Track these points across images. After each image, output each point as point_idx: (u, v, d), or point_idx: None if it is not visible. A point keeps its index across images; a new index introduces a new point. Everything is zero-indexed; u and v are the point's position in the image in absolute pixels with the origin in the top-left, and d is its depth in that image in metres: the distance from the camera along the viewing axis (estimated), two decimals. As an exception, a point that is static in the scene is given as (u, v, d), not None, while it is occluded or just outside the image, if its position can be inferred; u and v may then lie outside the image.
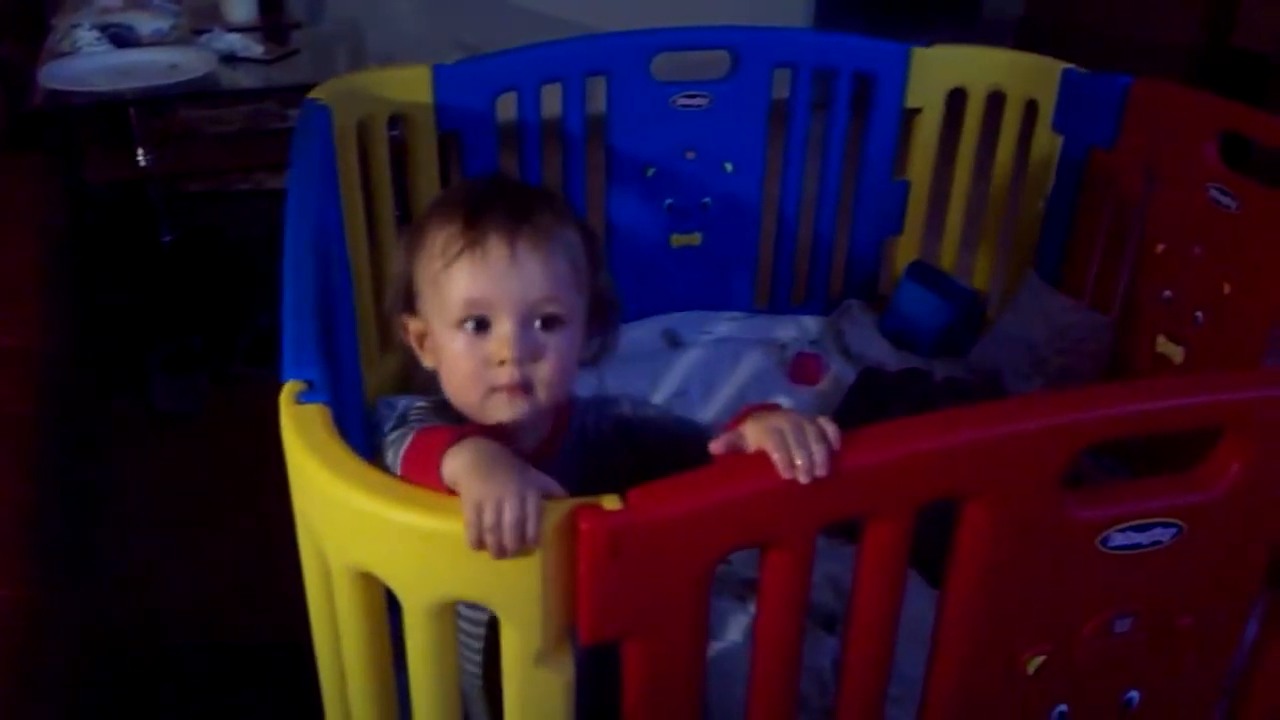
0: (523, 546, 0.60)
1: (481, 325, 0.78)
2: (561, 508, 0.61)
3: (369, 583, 0.68)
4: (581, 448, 0.85)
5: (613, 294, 0.86)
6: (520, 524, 0.60)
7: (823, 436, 0.64)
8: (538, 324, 0.78)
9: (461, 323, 0.78)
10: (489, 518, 0.60)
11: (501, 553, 0.60)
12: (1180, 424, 0.72)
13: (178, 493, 1.54)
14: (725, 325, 1.65)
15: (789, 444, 0.64)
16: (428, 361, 0.83)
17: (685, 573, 0.64)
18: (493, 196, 0.80)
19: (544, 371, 0.78)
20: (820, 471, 0.63)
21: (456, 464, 0.65)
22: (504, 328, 0.77)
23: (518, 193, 0.82)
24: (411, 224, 0.86)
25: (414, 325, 0.83)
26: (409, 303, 0.83)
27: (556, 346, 0.78)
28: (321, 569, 0.73)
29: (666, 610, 0.65)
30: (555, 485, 0.64)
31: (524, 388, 0.78)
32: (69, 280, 1.56)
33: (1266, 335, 1.21)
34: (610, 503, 0.61)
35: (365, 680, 0.73)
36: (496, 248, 0.77)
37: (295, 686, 1.16)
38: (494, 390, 0.78)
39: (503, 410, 0.79)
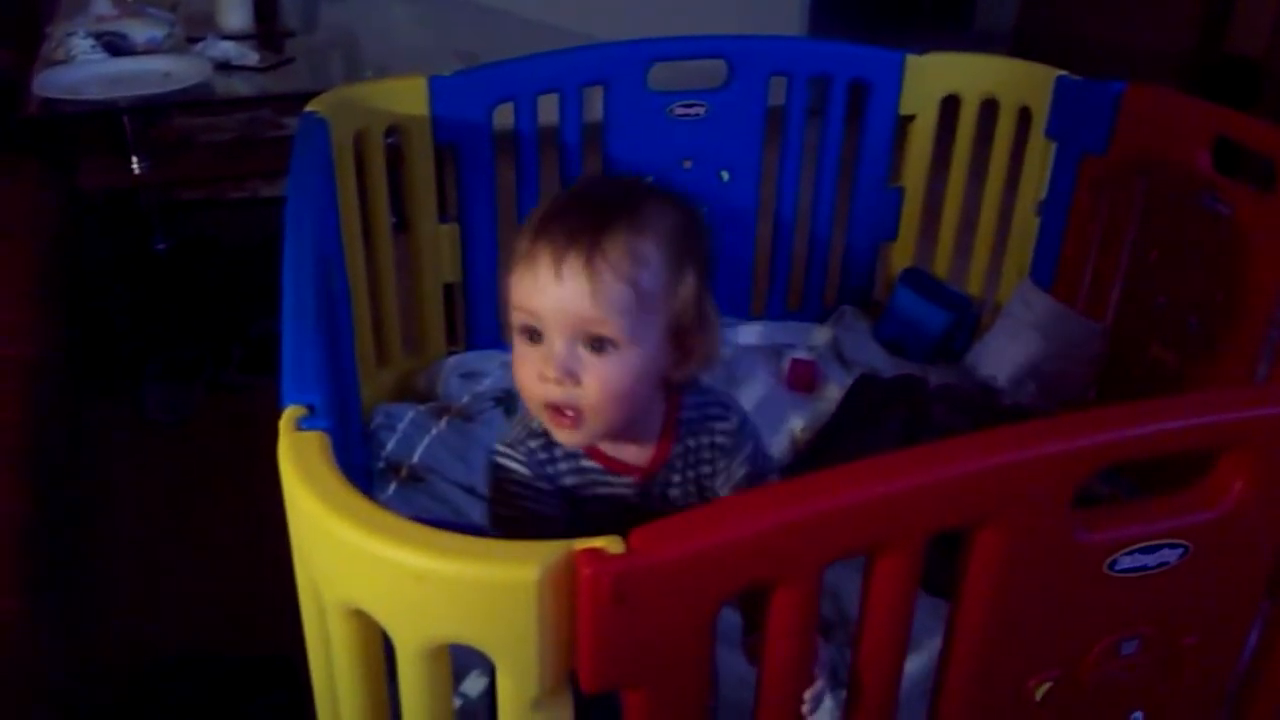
0: None
1: (534, 335, 0.77)
2: (560, 551, 0.58)
3: (363, 619, 0.65)
4: (691, 464, 0.86)
5: (705, 313, 0.81)
6: None
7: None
8: (584, 345, 0.76)
9: (520, 330, 0.77)
10: None
11: None
12: (1194, 445, 0.71)
13: (171, 502, 1.53)
14: (721, 333, 1.65)
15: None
16: None
17: (692, 616, 0.62)
18: (573, 205, 0.78)
19: (589, 396, 0.76)
20: None
21: None
22: (550, 342, 0.76)
23: (602, 202, 0.79)
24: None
25: None
26: None
27: (601, 371, 0.76)
28: (317, 600, 0.71)
29: (671, 657, 0.62)
30: None
31: (571, 413, 0.77)
32: (62, 288, 1.56)
33: (1260, 341, 1.21)
34: (613, 546, 0.58)
35: (360, 715, 0.71)
36: (545, 263, 0.75)
37: (288, 700, 1.15)
38: (546, 405, 0.78)
39: (555, 433, 0.80)
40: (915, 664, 0.75)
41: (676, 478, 0.86)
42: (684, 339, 0.80)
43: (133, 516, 1.50)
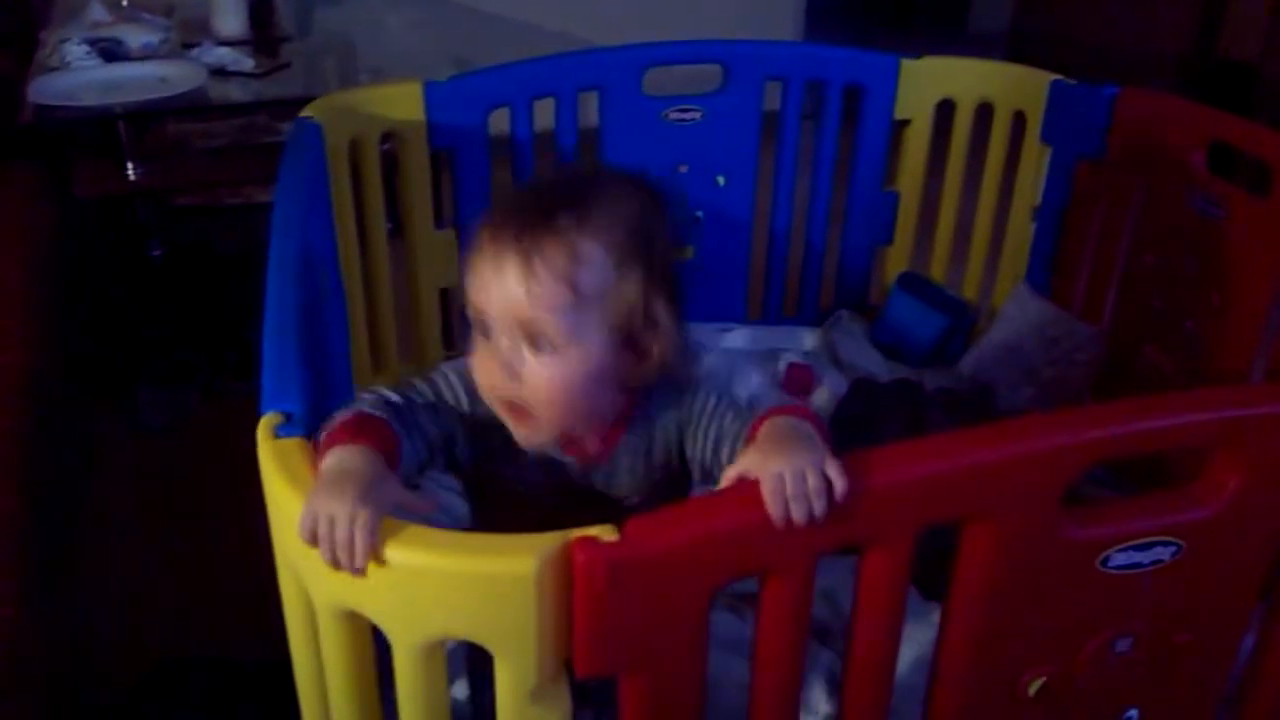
0: (351, 564, 0.60)
1: (486, 331, 0.77)
2: (556, 540, 0.59)
3: (355, 621, 0.66)
4: (643, 454, 0.84)
5: (655, 312, 0.78)
6: (348, 543, 0.59)
7: (824, 491, 0.62)
8: (524, 343, 0.75)
9: (474, 324, 0.77)
10: (322, 528, 0.60)
11: (334, 564, 0.60)
12: (1184, 442, 0.72)
13: (166, 508, 1.53)
14: (717, 338, 1.65)
15: (786, 494, 0.61)
16: None
17: (683, 604, 0.63)
18: (522, 201, 0.78)
19: (530, 395, 0.76)
20: (817, 523, 0.62)
21: (324, 469, 0.66)
22: (497, 339, 0.76)
23: (550, 199, 0.77)
24: None
25: None
26: None
27: (542, 371, 0.75)
28: (304, 606, 0.70)
29: (664, 643, 0.63)
30: (412, 502, 0.64)
31: (514, 405, 0.77)
32: (57, 294, 1.55)
33: (1256, 344, 1.21)
34: (606, 534, 0.59)
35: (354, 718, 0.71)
36: (487, 260, 0.75)
37: (285, 704, 1.15)
38: (501, 402, 0.78)
39: (514, 431, 0.79)
40: (908, 659, 0.75)
41: (624, 468, 0.85)
42: (635, 340, 0.78)
43: (128, 522, 1.49)
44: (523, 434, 0.79)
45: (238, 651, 1.26)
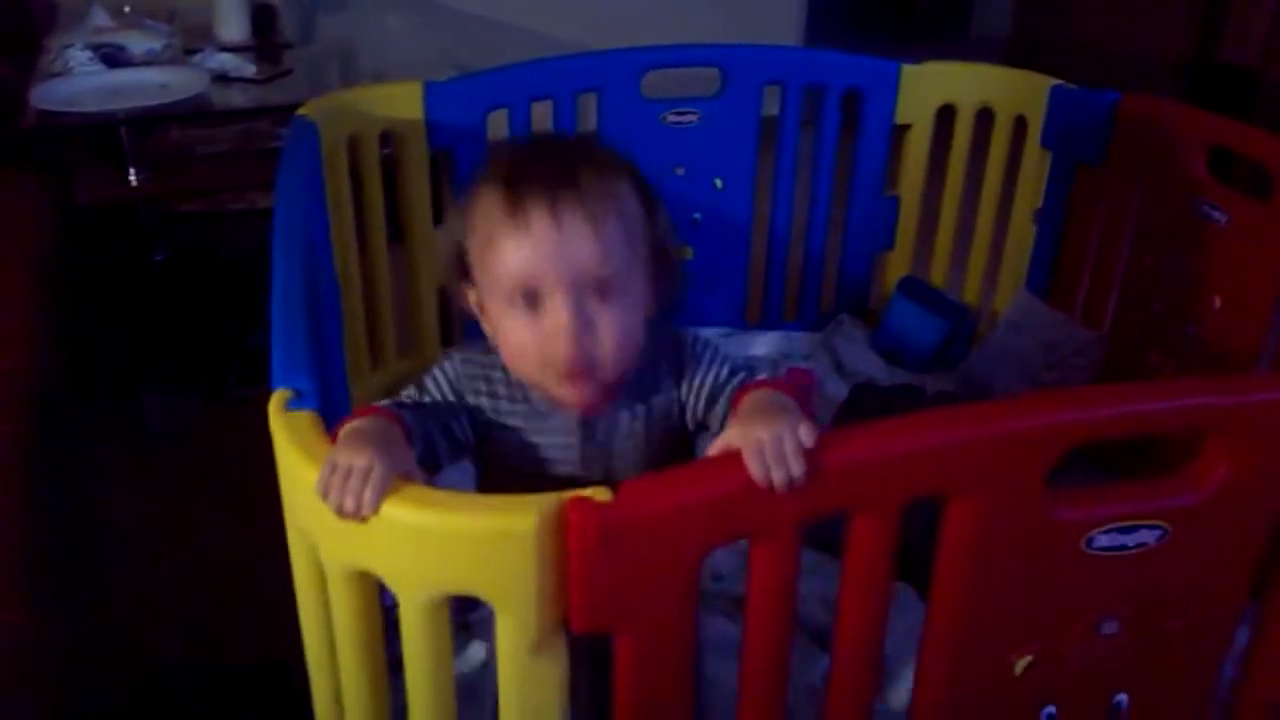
0: (357, 511, 0.62)
1: (533, 300, 0.75)
2: (554, 500, 0.62)
3: (364, 583, 0.68)
4: (644, 398, 0.85)
5: (670, 239, 0.82)
6: (358, 492, 0.62)
7: (801, 454, 0.64)
8: (592, 295, 0.75)
9: (513, 298, 0.76)
10: (336, 478, 0.63)
11: (340, 511, 0.62)
12: (1167, 426, 0.72)
13: (169, 514, 1.53)
14: (716, 341, 1.65)
15: (766, 457, 0.64)
16: (488, 330, 0.82)
17: (674, 565, 0.65)
18: (533, 158, 0.78)
19: (605, 346, 0.76)
20: (797, 486, 0.64)
21: (344, 430, 0.69)
22: (557, 303, 0.74)
23: (559, 150, 0.79)
24: (467, 192, 0.82)
25: (473, 295, 0.82)
26: (466, 272, 0.81)
27: (614, 315, 0.75)
28: (315, 576, 0.73)
29: (656, 601, 0.66)
30: (417, 473, 0.67)
31: (585, 367, 0.76)
32: (60, 300, 1.56)
33: (1257, 348, 1.21)
34: (600, 495, 0.62)
35: (362, 687, 0.73)
36: (539, 218, 0.73)
37: (285, 707, 1.15)
38: (552, 368, 0.77)
39: (566, 394, 0.79)
40: (905, 652, 0.76)
41: (625, 415, 0.84)
42: (655, 272, 0.81)
43: (132, 528, 1.49)
44: (576, 393, 0.79)
45: (241, 654, 1.26)
